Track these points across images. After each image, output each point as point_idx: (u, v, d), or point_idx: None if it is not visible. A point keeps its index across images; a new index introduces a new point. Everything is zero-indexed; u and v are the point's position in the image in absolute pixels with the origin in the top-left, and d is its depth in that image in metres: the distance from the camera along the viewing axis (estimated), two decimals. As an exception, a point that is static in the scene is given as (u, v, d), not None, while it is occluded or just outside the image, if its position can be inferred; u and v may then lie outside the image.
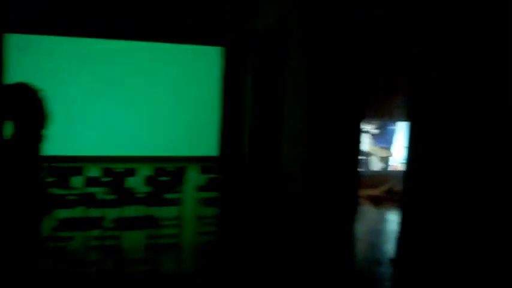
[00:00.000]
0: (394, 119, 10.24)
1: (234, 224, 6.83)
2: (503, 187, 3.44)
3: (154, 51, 12.09)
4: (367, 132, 10.02)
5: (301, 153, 7.71)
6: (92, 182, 6.55)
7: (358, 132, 8.18)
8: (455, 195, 4.02)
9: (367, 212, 8.29)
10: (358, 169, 8.44)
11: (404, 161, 5.18)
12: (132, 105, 12.09)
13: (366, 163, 10.15)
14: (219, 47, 12.13)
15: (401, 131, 10.09)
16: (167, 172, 7.30)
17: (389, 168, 10.44)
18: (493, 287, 3.49)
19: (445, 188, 4.16)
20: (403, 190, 5.31)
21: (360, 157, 8.54)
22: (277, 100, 8.78)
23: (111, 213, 5.22)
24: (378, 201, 8.84)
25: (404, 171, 5.22)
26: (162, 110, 12.27)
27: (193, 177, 7.53)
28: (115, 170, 7.28)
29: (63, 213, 4.78)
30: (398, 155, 10.23)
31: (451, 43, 4.07)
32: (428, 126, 4.48)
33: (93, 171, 7.40)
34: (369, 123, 10.06)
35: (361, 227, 7.49)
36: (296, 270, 5.03)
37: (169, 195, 6.02)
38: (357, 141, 8.20)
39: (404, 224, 5.07)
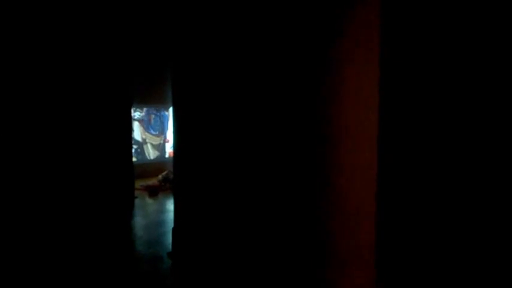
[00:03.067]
0: (166, 105, 10.08)
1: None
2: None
3: None
4: (138, 119, 9.56)
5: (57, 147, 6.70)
6: None
7: (128, 119, 7.65)
8: (220, 182, 3.95)
9: (145, 204, 7.90)
10: (131, 159, 7.97)
11: (173, 148, 4.96)
12: None
13: (140, 152, 9.71)
14: None
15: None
16: None
17: (165, 156, 10.28)
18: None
19: (208, 174, 4.06)
20: (174, 178, 5.08)
21: (132, 146, 8.07)
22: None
23: None
24: (155, 191, 8.54)
25: (173, 158, 4.99)
26: None
27: None
28: None
29: None
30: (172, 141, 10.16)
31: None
32: (188, 111, 4.34)
33: None
34: (139, 110, 9.61)
35: (139, 220, 7.08)
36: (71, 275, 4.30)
37: None
38: (128, 129, 7.68)
39: (176, 214, 4.85)
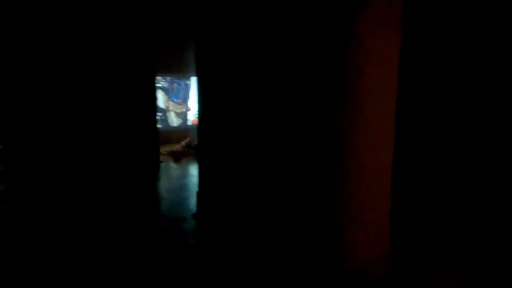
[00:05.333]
0: (188, 74, 10.35)
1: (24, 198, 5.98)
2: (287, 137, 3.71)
3: None
4: (162, 88, 9.90)
5: (88, 115, 7.09)
6: None
7: (153, 88, 7.98)
8: (245, 149, 4.16)
9: (169, 168, 8.33)
10: (157, 126, 8.35)
11: (197, 115, 5.20)
12: None
13: (164, 119, 10.10)
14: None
15: (195, 86, 10.30)
16: None
17: (188, 123, 10.65)
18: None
19: (234, 141, 4.31)
20: (198, 144, 5.39)
21: (157, 114, 8.44)
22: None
23: None
24: (178, 157, 8.97)
25: (197, 125, 5.26)
26: None
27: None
28: None
29: None
30: (195, 109, 10.48)
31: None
32: (212, 80, 4.55)
33: None
34: (163, 79, 9.93)
35: (164, 184, 7.49)
36: (104, 236, 4.73)
37: None
38: (153, 98, 8.03)
39: (201, 178, 5.17)
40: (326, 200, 3.27)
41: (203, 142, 5.02)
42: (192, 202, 5.88)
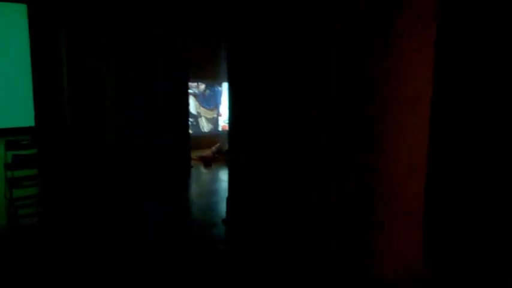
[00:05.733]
0: (219, 80, 10.46)
1: (59, 202, 6.16)
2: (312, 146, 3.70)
3: None
4: (193, 94, 10.04)
5: (121, 120, 7.27)
6: None
7: (185, 93, 8.12)
8: (276, 155, 4.16)
9: (200, 174, 8.41)
10: (188, 131, 8.47)
11: (228, 121, 5.25)
12: None
13: (196, 125, 10.23)
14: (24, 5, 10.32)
15: (226, 92, 10.37)
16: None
17: (218, 129, 10.75)
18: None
19: (265, 147, 4.31)
20: (229, 150, 5.43)
21: (189, 119, 8.56)
22: (95, 61, 8.01)
23: None
24: (208, 162, 9.05)
25: (228, 131, 5.31)
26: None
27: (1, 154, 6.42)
28: None
29: None
30: (225, 115, 10.57)
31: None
32: (244, 87, 4.57)
33: None
34: (195, 84, 10.07)
35: (195, 188, 7.57)
36: (132, 240, 4.81)
37: None
38: (185, 103, 8.16)
39: (231, 183, 5.21)
40: (356, 207, 3.22)
41: (233, 148, 5.06)
42: (222, 207, 5.88)
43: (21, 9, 10.40)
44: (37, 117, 10.70)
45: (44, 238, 4.91)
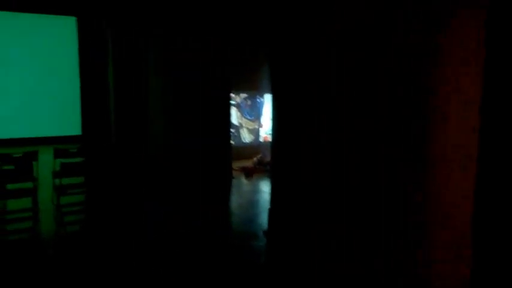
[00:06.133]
0: (262, 91, 10.43)
1: (103, 210, 6.28)
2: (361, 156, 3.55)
3: (3, 24, 10.34)
4: (235, 104, 10.05)
5: (167, 130, 7.36)
6: None
7: (227, 104, 8.14)
8: (319, 165, 4.06)
9: (241, 184, 8.36)
10: (230, 141, 8.47)
11: (271, 132, 5.18)
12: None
13: (237, 136, 10.22)
14: (74, 18, 10.80)
15: (268, 103, 10.33)
16: (13, 159, 6.28)
17: (260, 140, 10.69)
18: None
19: (308, 158, 4.20)
20: (271, 161, 5.34)
21: (230, 129, 8.56)
22: (141, 72, 8.19)
23: None
24: (250, 173, 8.98)
25: (271, 143, 5.24)
26: (10, 84, 10.61)
27: (49, 161, 6.65)
28: None
29: None
30: (267, 126, 10.52)
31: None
32: (288, 98, 4.49)
33: None
34: (237, 95, 10.08)
35: (236, 199, 7.52)
36: (174, 248, 4.82)
37: (16, 186, 5.39)
38: (227, 114, 8.18)
39: (273, 195, 5.11)
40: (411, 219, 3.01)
41: (277, 159, 4.96)
42: (263, 219, 5.81)
43: (71, 22, 10.88)
44: (84, 126, 11.08)
45: (88, 246, 4.99)
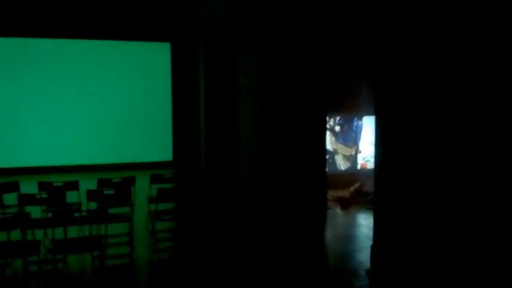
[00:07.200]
0: (360, 113, 9.79)
1: (193, 238, 6.21)
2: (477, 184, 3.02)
3: (98, 52, 11.24)
4: (330, 129, 9.52)
5: (255, 158, 7.17)
6: (26, 199, 5.66)
7: (322, 129, 7.74)
8: (434, 194, 3.54)
9: (336, 216, 7.78)
10: (325, 169, 7.96)
11: (374, 159, 4.70)
12: (71, 108, 11.18)
13: (332, 162, 9.64)
14: (168, 43, 11.31)
15: (367, 127, 9.65)
16: (113, 183, 6.48)
17: (357, 167, 10.00)
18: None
19: (421, 187, 3.67)
20: (375, 191, 4.78)
21: (325, 156, 8.07)
22: (231, 97, 8.19)
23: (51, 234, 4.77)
24: (346, 203, 8.31)
25: (374, 171, 4.71)
26: (105, 112, 11.38)
27: (144, 187, 6.76)
28: (53, 184, 6.39)
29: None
30: (365, 152, 9.81)
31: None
32: (397, 120, 4.02)
33: (28, 186, 6.55)
34: (332, 119, 9.57)
35: (331, 233, 7.01)
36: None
37: (116, 210, 5.63)
38: (322, 139, 7.75)
39: (378, 229, 4.56)
40: None
41: (382, 189, 4.44)
42: (363, 256, 5.32)
43: (165, 48, 11.42)
44: (174, 151, 11.43)
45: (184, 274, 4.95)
